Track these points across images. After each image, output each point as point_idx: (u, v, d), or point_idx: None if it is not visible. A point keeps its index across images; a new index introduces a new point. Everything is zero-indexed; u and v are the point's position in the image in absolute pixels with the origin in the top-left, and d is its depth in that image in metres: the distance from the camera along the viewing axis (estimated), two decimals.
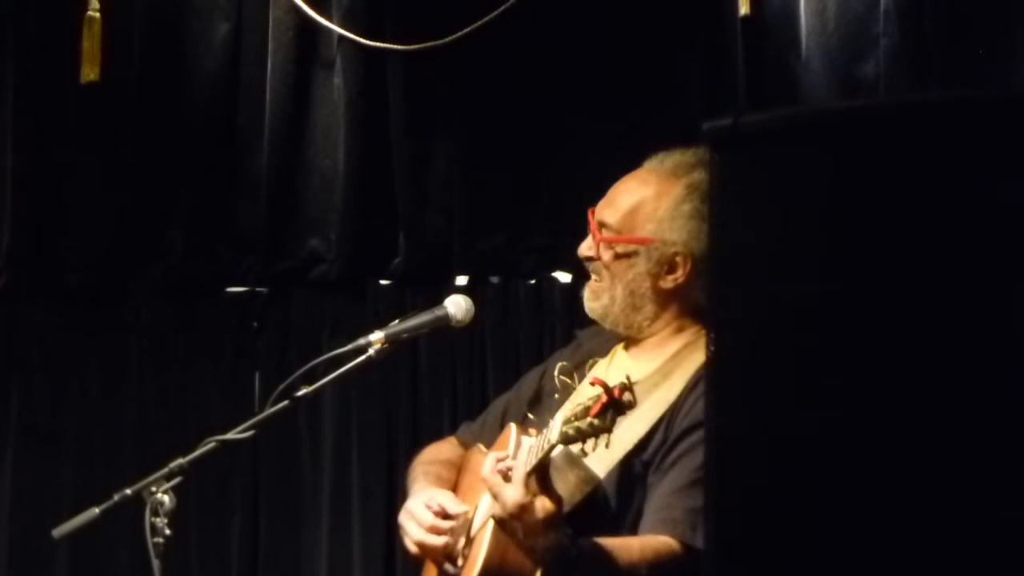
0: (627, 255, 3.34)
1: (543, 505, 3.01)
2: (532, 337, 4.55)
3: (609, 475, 3.20)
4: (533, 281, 4.61)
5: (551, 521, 3.01)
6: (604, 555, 3.06)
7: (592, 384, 3.01)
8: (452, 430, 3.88)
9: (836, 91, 4.21)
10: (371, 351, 3.28)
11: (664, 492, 3.14)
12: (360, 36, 4.58)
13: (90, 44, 4.57)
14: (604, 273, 3.37)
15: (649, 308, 3.33)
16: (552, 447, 3.00)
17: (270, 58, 4.65)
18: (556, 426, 2.99)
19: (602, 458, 3.14)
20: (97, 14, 4.57)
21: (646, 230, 3.34)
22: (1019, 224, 2.20)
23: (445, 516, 3.27)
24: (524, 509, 3.00)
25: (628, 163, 3.50)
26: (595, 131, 4.42)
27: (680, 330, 3.34)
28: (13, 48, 4.73)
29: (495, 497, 3.04)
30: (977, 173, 2.22)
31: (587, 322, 3.53)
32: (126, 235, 4.73)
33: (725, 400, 2.34)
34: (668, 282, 3.32)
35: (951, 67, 4.08)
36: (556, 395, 3.38)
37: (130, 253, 4.75)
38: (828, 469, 2.26)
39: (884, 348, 2.24)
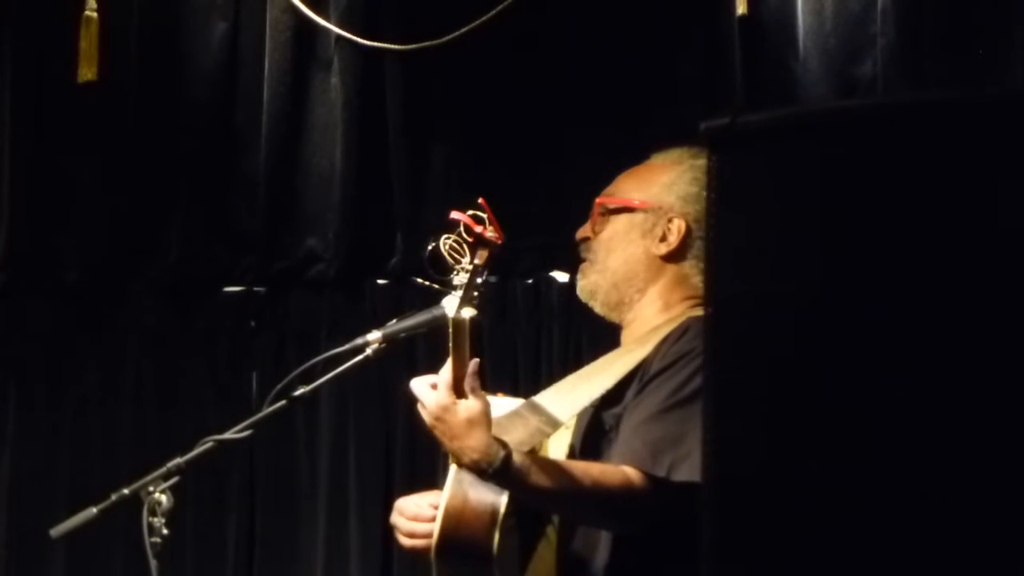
0: (621, 218, 3.33)
1: (467, 405, 2.98)
2: (530, 336, 4.56)
3: (579, 428, 3.19)
4: (530, 280, 4.61)
5: (474, 420, 2.97)
6: (537, 463, 3.02)
7: (455, 220, 3.02)
8: None
9: (834, 91, 4.21)
10: (368, 351, 3.28)
11: (626, 428, 3.11)
12: (358, 36, 4.58)
13: (87, 44, 4.57)
14: (597, 248, 3.34)
15: (640, 277, 3.30)
16: (458, 324, 2.98)
17: (267, 58, 4.66)
18: (451, 302, 2.99)
19: (566, 406, 3.14)
20: (94, 14, 4.57)
21: (644, 195, 3.32)
22: (1018, 224, 2.20)
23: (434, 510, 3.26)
24: (446, 409, 2.97)
25: (626, 162, 3.50)
26: (593, 130, 4.42)
27: (667, 308, 3.30)
28: (10, 47, 4.73)
29: (421, 406, 3.03)
30: (975, 173, 2.23)
31: (585, 322, 3.51)
32: (123, 234, 4.73)
33: (724, 400, 2.34)
34: (661, 248, 3.28)
35: (948, 67, 4.08)
36: None
37: (127, 252, 4.75)
38: (828, 466, 2.26)
39: (884, 346, 2.24)
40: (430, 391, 3.02)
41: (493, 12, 4.43)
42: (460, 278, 3.01)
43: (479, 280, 3.00)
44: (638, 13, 4.43)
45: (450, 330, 3.00)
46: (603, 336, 3.54)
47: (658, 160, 3.42)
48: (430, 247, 3.08)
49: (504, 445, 2.98)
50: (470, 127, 4.57)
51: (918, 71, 4.12)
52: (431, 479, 3.47)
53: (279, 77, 4.65)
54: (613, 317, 3.36)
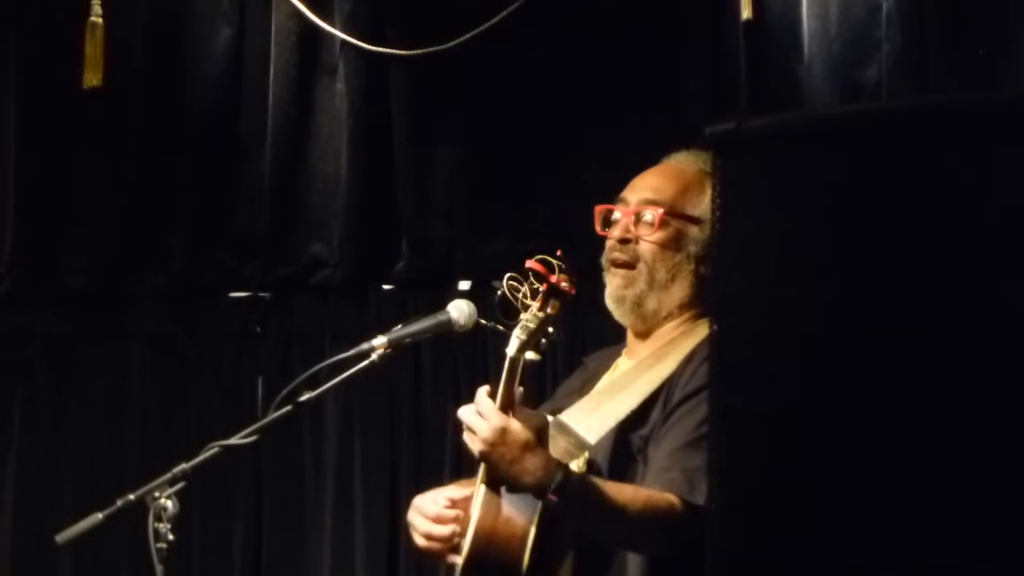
0: (677, 235, 3.28)
1: (521, 429, 2.98)
2: None
3: (603, 447, 3.18)
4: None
5: (532, 442, 2.98)
6: (592, 486, 3.02)
7: (528, 269, 3.01)
8: (455, 436, 3.86)
9: (838, 95, 4.21)
10: (374, 356, 3.27)
11: (661, 455, 3.11)
12: (362, 41, 4.59)
13: (93, 49, 4.58)
14: (643, 252, 3.29)
15: (679, 294, 3.28)
16: (515, 361, 3.00)
17: (272, 63, 4.66)
18: (512, 341, 3.00)
19: (593, 426, 3.13)
20: (100, 19, 4.58)
21: (699, 210, 3.27)
22: (1019, 224, 2.20)
23: (452, 507, 3.25)
24: (505, 431, 2.97)
25: (631, 167, 3.50)
26: (597, 135, 4.42)
27: (684, 319, 3.30)
28: (16, 53, 4.75)
29: (473, 432, 3.02)
30: (978, 176, 2.23)
31: (589, 327, 3.49)
32: (129, 240, 4.74)
33: (729, 399, 2.34)
34: (710, 268, 3.22)
35: (952, 71, 4.08)
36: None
37: (133, 258, 4.76)
38: (829, 467, 2.27)
39: (887, 349, 2.24)
40: (481, 419, 3.01)
41: (498, 17, 4.44)
42: (528, 318, 3.02)
43: (550, 329, 3.01)
44: (643, 18, 4.43)
45: (506, 364, 3.02)
46: (607, 342, 3.54)
47: (684, 164, 3.38)
48: (499, 292, 3.10)
49: (561, 464, 3.00)
50: (475, 132, 4.57)
51: (923, 76, 4.12)
52: (436, 484, 3.47)
53: (284, 83, 4.65)
54: (638, 325, 3.33)
